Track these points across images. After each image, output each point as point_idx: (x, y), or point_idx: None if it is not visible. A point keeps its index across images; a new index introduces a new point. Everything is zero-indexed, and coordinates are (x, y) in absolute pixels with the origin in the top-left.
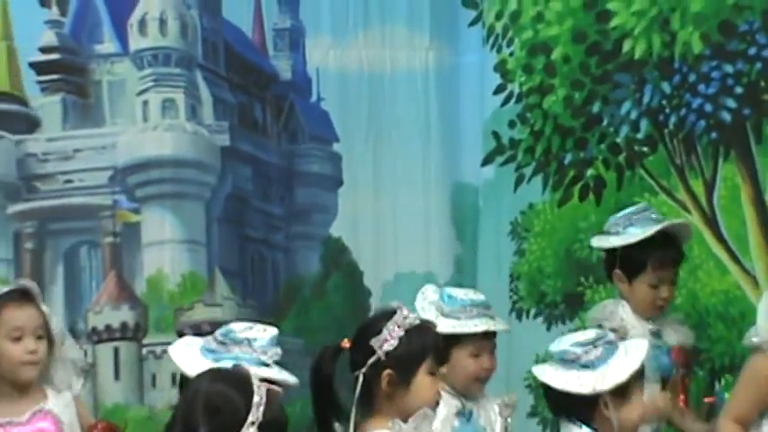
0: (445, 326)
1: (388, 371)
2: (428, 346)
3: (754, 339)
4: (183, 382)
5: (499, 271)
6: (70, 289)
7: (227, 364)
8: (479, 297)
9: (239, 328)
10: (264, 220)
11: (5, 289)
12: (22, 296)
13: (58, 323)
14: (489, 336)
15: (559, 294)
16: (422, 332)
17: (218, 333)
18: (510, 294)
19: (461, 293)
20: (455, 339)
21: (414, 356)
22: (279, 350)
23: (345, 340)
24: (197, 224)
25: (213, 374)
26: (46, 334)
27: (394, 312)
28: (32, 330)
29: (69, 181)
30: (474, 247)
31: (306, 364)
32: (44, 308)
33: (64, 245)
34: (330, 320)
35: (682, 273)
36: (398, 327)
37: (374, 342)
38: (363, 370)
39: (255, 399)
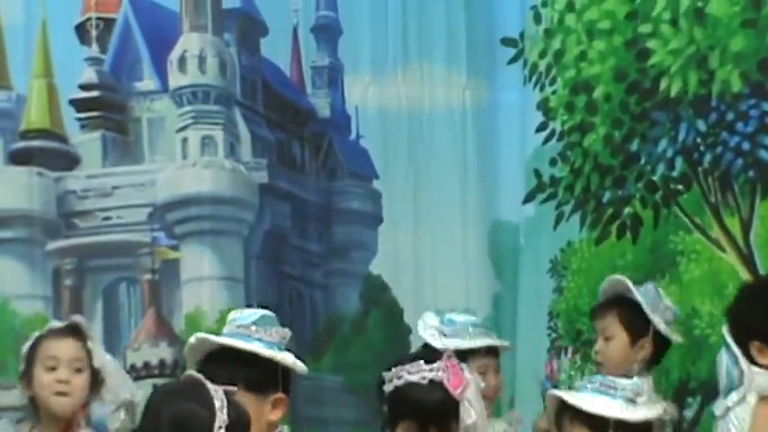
0: (450, 345)
1: (384, 409)
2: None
3: (729, 403)
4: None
5: (539, 308)
6: (109, 326)
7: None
8: (477, 319)
9: (239, 315)
10: (302, 258)
11: (57, 324)
12: (67, 330)
13: (111, 363)
14: (493, 354)
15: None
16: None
17: (233, 323)
18: (548, 332)
19: (460, 317)
20: (461, 358)
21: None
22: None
23: None
24: (235, 261)
25: (168, 392)
26: (88, 369)
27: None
28: (68, 362)
29: (108, 218)
30: (514, 284)
31: (346, 402)
32: (90, 344)
33: (103, 282)
34: (370, 358)
35: (716, 311)
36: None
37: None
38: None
39: (217, 404)
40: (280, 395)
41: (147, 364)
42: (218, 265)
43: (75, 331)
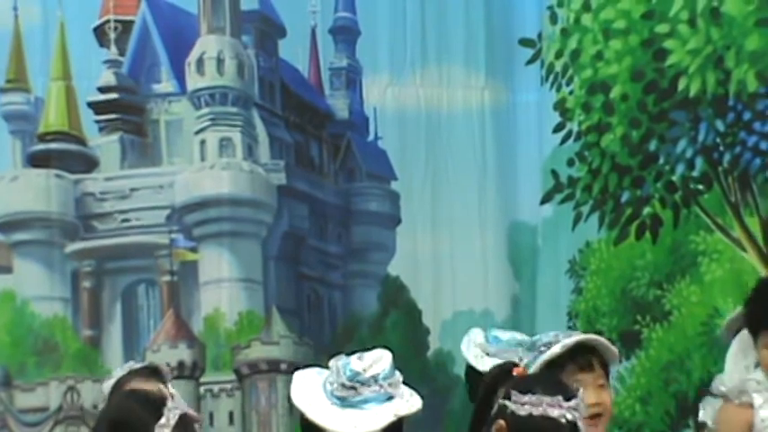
0: (491, 365)
1: (501, 422)
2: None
3: (722, 388)
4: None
5: (557, 309)
6: (128, 327)
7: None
8: (524, 338)
9: (361, 366)
10: (321, 259)
11: (138, 365)
12: (151, 373)
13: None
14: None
15: (615, 332)
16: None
17: (342, 376)
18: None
19: (507, 335)
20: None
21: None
22: (399, 375)
23: (520, 368)
24: (254, 263)
25: (128, 392)
26: None
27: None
28: None
29: (127, 220)
30: (532, 285)
31: None
32: (171, 389)
33: (121, 284)
34: None
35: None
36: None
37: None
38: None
39: (162, 421)
40: None
41: (166, 366)
42: (237, 266)
43: (155, 373)
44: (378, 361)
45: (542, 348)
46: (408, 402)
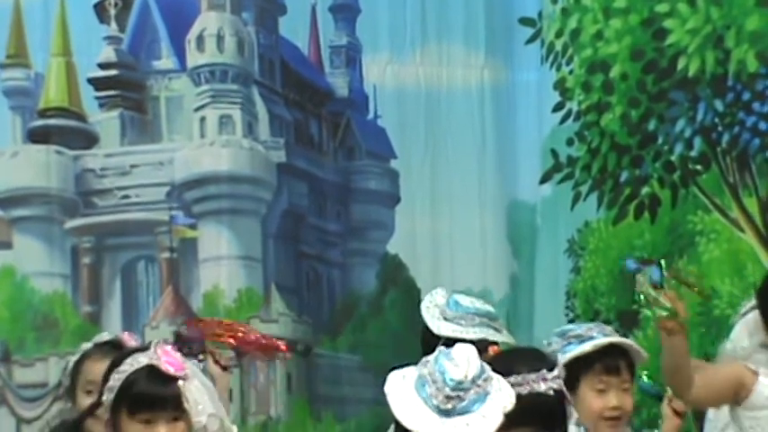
0: (446, 329)
1: None
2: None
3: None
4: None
5: (556, 288)
6: (127, 304)
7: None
8: (486, 307)
9: (461, 373)
10: (320, 237)
11: (104, 339)
12: (112, 348)
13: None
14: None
15: (613, 312)
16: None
17: (445, 387)
18: (566, 312)
19: (467, 301)
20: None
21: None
22: (487, 366)
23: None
24: (253, 240)
25: None
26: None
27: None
28: None
29: (126, 196)
30: (531, 264)
31: (362, 381)
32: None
33: (121, 260)
34: (387, 337)
35: (736, 291)
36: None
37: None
38: None
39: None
40: None
41: (165, 343)
42: (236, 244)
43: (116, 348)
44: (470, 360)
45: (572, 339)
46: (505, 392)
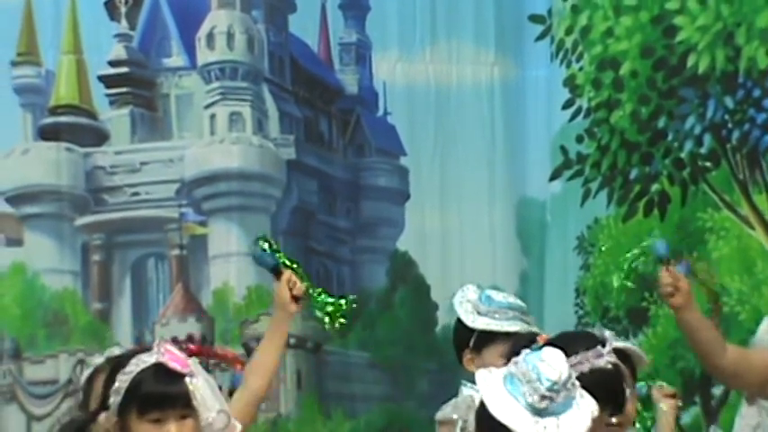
0: (480, 323)
1: None
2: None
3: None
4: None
5: (565, 285)
6: (137, 301)
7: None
8: (518, 302)
9: (556, 374)
10: (330, 234)
11: (115, 353)
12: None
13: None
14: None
15: (622, 309)
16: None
17: (541, 387)
18: (575, 309)
19: (500, 296)
20: (489, 338)
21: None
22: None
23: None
24: None
25: None
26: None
27: (595, 343)
28: None
29: (137, 193)
30: (541, 261)
31: (372, 378)
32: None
33: (131, 257)
34: (397, 334)
35: (746, 288)
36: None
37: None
38: None
39: None
40: None
41: (175, 339)
42: (246, 240)
43: None
44: (561, 363)
45: None
46: (588, 398)
